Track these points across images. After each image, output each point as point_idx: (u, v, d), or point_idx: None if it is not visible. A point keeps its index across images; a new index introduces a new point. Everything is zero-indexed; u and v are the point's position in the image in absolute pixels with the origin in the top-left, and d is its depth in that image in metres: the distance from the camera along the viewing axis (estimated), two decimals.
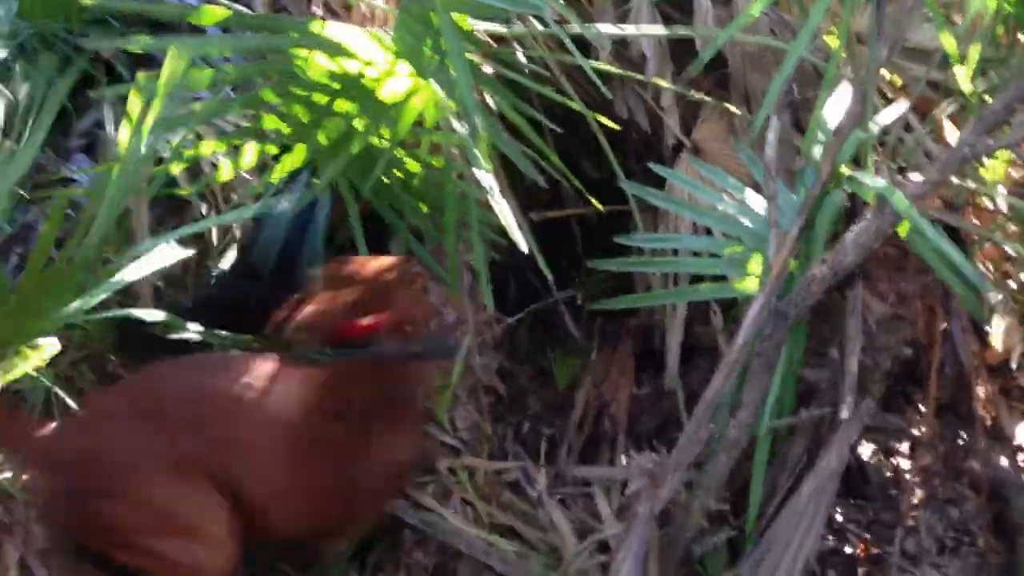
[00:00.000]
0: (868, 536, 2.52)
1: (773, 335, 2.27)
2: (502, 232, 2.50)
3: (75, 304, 2.07)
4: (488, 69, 2.67)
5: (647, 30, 2.79)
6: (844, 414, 2.31)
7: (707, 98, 2.84)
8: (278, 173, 2.46)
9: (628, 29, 2.79)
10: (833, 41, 2.70)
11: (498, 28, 2.62)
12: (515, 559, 2.42)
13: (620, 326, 3.08)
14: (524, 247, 2.23)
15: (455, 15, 2.35)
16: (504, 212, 2.22)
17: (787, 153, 2.74)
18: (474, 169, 2.28)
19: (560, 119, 2.74)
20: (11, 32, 2.90)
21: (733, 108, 2.86)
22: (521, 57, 2.71)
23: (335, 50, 2.34)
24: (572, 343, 3.08)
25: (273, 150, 2.49)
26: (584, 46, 2.69)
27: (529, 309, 2.99)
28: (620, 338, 3.06)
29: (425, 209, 2.68)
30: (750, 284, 2.45)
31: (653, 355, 2.98)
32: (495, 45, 2.70)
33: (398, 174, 2.63)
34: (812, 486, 2.30)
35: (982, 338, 2.68)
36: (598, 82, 2.56)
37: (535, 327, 3.07)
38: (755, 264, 2.47)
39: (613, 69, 2.72)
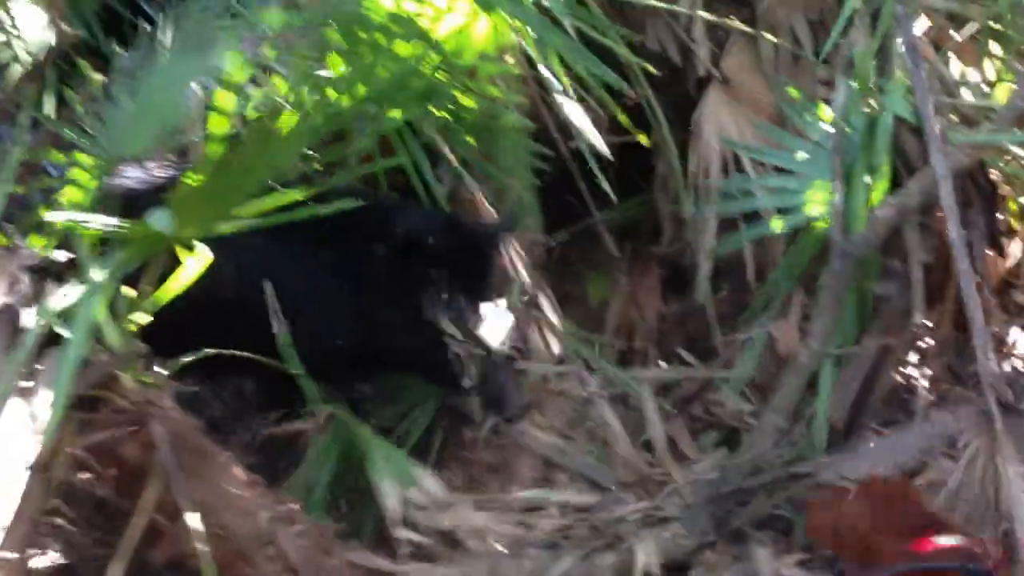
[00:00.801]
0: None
1: (840, 270, 2.52)
2: (544, 160, 2.77)
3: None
4: None
5: None
6: (917, 319, 2.54)
7: (739, 25, 2.93)
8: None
9: None
10: None
11: None
12: (571, 453, 2.64)
13: (648, 249, 3.29)
14: (604, 148, 2.36)
15: None
16: (581, 119, 2.34)
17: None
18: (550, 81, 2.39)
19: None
20: None
21: (773, 40, 2.98)
22: None
23: None
24: (604, 263, 3.26)
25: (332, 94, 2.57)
26: None
27: (573, 228, 3.16)
28: (648, 260, 3.27)
29: (473, 141, 2.83)
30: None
31: (679, 277, 3.21)
32: None
33: (451, 108, 2.77)
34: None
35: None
36: None
37: (569, 247, 3.25)
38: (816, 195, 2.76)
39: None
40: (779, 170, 2.98)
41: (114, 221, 2.01)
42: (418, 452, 2.67)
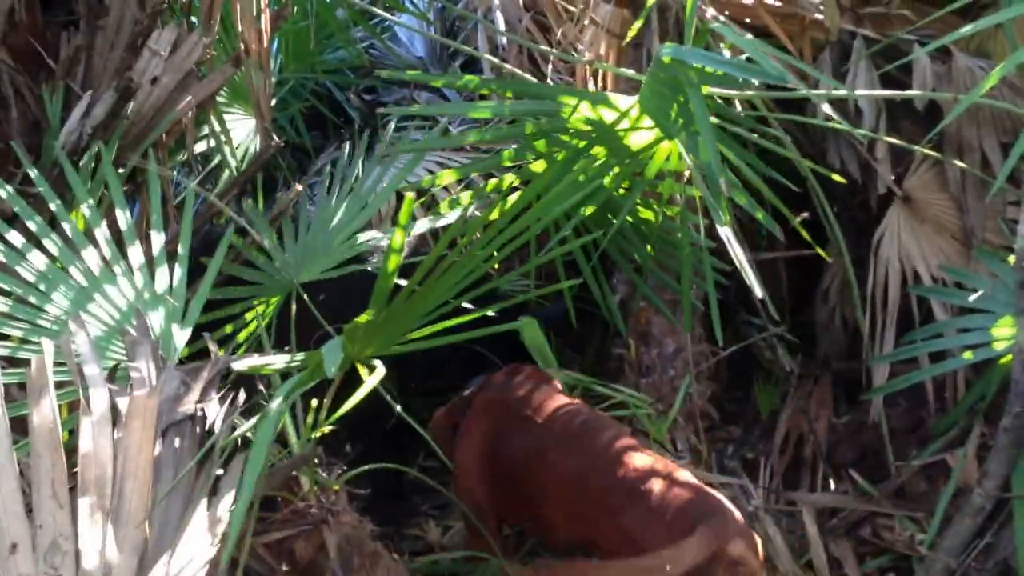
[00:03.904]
0: None
1: (1020, 412, 2.41)
2: (720, 272, 2.76)
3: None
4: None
5: (867, 93, 2.91)
6: None
7: (926, 152, 2.86)
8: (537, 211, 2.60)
9: (848, 90, 2.90)
10: None
11: (728, 92, 2.70)
12: None
13: (820, 361, 3.25)
14: (758, 292, 2.38)
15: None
16: (740, 259, 2.38)
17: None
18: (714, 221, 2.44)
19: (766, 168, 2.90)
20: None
21: (959, 164, 2.89)
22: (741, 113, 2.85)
23: (597, 100, 2.56)
24: (774, 374, 3.24)
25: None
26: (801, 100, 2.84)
27: (743, 343, 3.14)
28: (821, 372, 3.22)
29: (651, 251, 2.89)
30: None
31: (852, 389, 3.14)
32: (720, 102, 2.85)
33: (630, 219, 2.84)
34: None
35: None
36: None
37: (740, 358, 3.24)
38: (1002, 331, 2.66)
39: (836, 126, 2.81)
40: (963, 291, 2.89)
41: (297, 356, 2.14)
42: None
